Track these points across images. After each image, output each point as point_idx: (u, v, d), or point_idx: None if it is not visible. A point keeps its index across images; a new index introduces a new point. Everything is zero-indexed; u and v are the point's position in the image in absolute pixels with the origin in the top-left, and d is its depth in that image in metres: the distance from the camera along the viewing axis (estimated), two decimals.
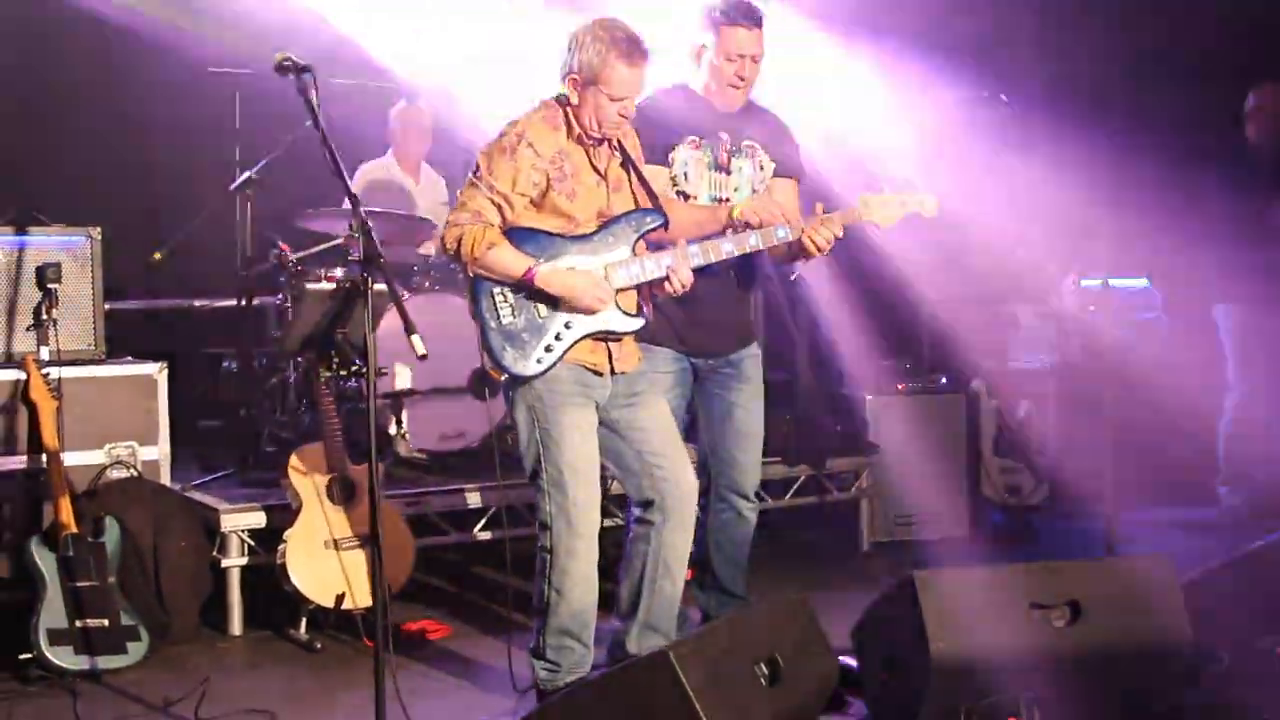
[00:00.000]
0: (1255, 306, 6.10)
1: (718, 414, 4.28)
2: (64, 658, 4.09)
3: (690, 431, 4.29)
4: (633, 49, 3.60)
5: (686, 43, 4.12)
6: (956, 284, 5.95)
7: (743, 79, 4.08)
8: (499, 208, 3.63)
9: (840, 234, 3.91)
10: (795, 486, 5.75)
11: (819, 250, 3.91)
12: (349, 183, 3.26)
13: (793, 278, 4.34)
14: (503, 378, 3.72)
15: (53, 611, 4.13)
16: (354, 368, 3.44)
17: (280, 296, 5.41)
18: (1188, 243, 6.31)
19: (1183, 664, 3.58)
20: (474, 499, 5.11)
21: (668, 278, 3.73)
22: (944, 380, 6.12)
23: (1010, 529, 6.17)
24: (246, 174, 5.43)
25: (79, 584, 4.19)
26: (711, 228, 3.96)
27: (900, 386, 6.01)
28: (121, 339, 5.08)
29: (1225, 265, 6.17)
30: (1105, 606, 3.51)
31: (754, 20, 4.06)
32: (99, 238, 4.86)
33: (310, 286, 4.32)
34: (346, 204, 3.27)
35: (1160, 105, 6.48)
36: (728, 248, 3.85)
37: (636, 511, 3.92)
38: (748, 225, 3.91)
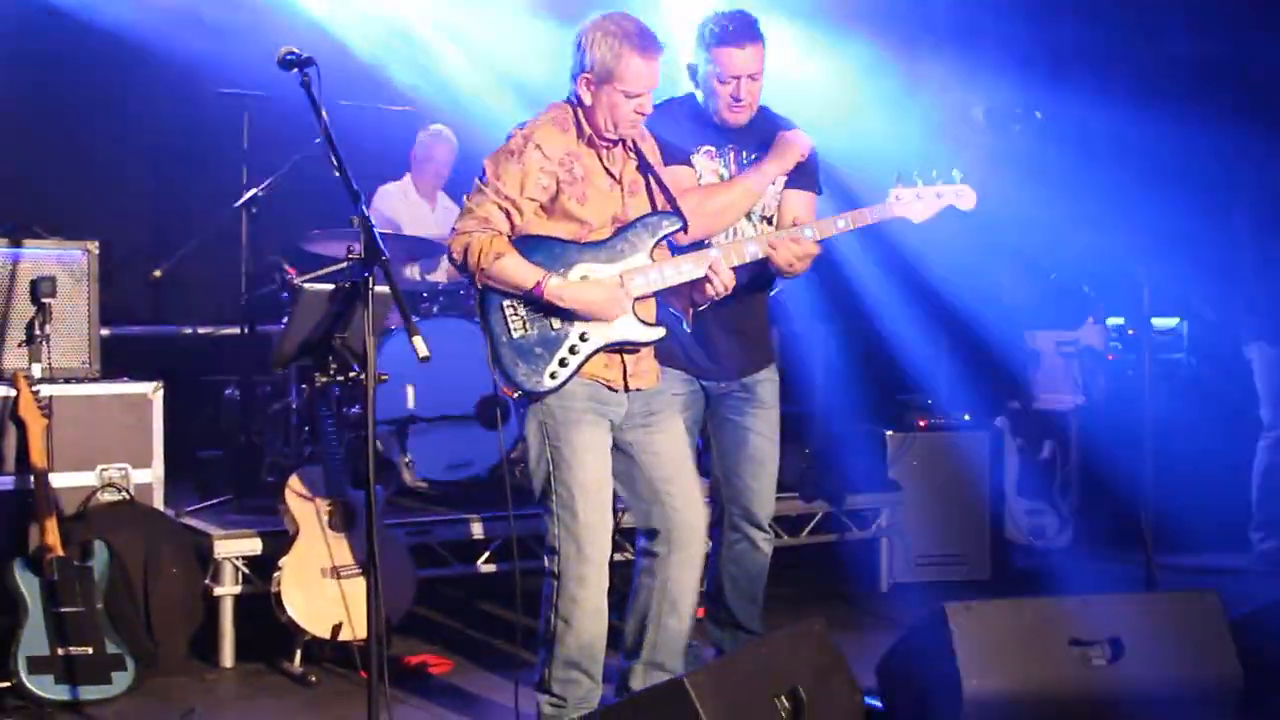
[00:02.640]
0: None
1: (732, 440, 4.09)
2: (44, 687, 3.91)
3: (701, 458, 4.09)
4: (647, 42, 3.45)
5: (684, 62, 3.94)
6: (983, 310, 5.77)
7: (739, 100, 3.88)
8: (507, 213, 3.47)
9: (815, 250, 3.69)
10: (812, 523, 5.55)
11: (786, 266, 3.68)
12: (351, 180, 3.10)
13: (772, 293, 4.14)
14: (516, 394, 3.53)
15: (34, 638, 3.94)
16: (353, 374, 3.26)
17: (285, 320, 5.26)
18: (1219, 280, 6.16)
19: (1233, 707, 3.35)
20: (479, 530, 4.91)
21: (708, 278, 3.55)
22: (967, 418, 5.92)
23: (1034, 571, 5.95)
24: (252, 191, 5.30)
25: (63, 610, 4.00)
26: (745, 203, 3.80)
27: (922, 423, 5.82)
28: (122, 364, 4.92)
29: (1258, 303, 5.99)
30: (1149, 644, 3.31)
31: (748, 38, 3.84)
32: (96, 252, 4.71)
33: (308, 287, 4.14)
34: (351, 224, 3.12)
35: (1193, 136, 6.34)
36: (752, 249, 3.66)
37: (642, 542, 3.71)
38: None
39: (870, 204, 3.79)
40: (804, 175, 4.04)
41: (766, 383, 4.11)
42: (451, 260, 3.53)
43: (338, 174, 3.15)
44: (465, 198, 3.56)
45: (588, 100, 3.50)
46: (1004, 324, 6.17)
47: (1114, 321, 6.83)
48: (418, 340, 2.88)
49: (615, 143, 3.57)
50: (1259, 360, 6.01)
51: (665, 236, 3.58)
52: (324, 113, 3.18)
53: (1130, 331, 6.55)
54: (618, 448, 3.63)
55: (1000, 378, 6.17)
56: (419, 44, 6.74)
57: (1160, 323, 7.03)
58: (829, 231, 3.71)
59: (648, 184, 3.64)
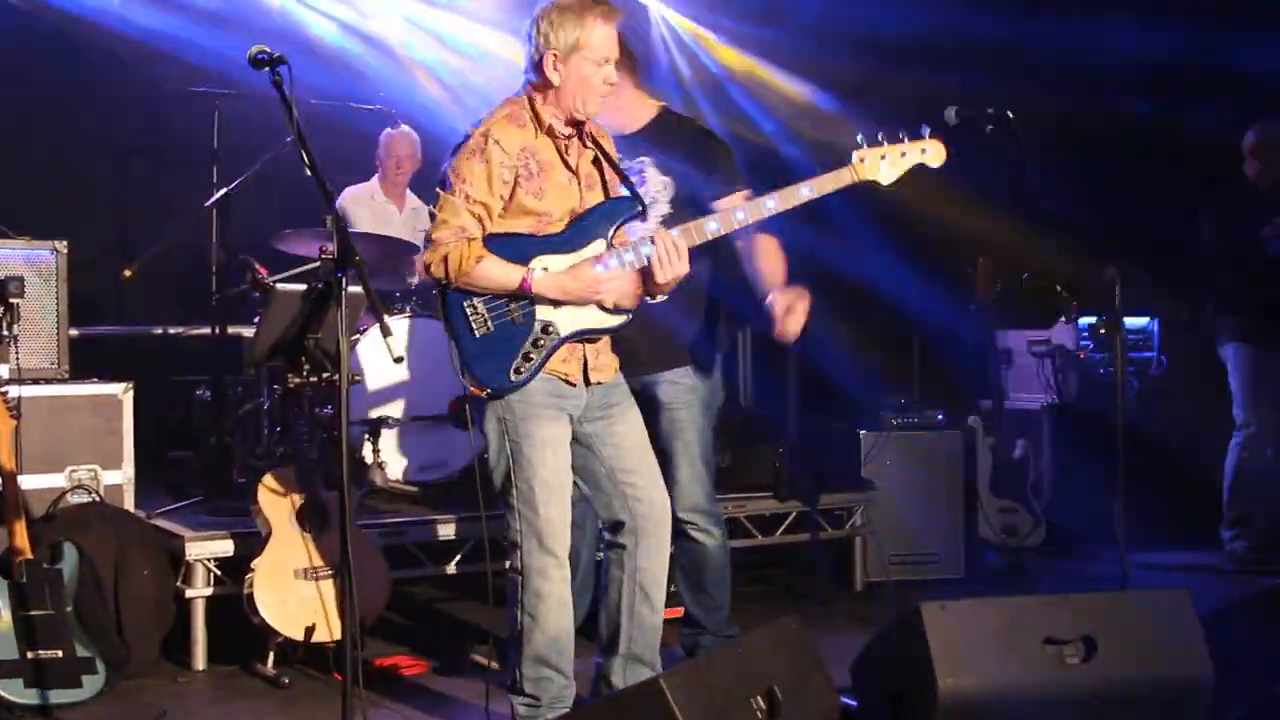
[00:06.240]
0: (1266, 346, 5.93)
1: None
2: (13, 691, 3.86)
3: None
4: (607, 6, 3.45)
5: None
6: (952, 309, 5.79)
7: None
8: (479, 219, 3.46)
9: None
10: (786, 523, 5.55)
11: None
12: (324, 180, 3.08)
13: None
14: (484, 393, 3.52)
15: (3, 642, 3.89)
16: (326, 375, 3.24)
17: (256, 320, 5.23)
18: (1190, 281, 6.20)
19: (1204, 705, 3.37)
20: (452, 531, 4.89)
21: (650, 266, 3.46)
22: (940, 417, 5.94)
23: (1007, 570, 5.97)
24: (223, 190, 5.26)
25: (32, 613, 3.94)
26: None
27: (896, 422, 5.83)
28: (91, 364, 4.88)
29: (1232, 304, 6.03)
30: (1122, 642, 3.32)
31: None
32: (65, 251, 4.66)
33: (280, 288, 4.12)
34: (323, 224, 3.10)
35: (1166, 135, 6.40)
36: (712, 227, 3.54)
37: (606, 535, 3.69)
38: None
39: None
40: (727, 177, 3.97)
41: (664, 385, 4.06)
42: (429, 272, 3.48)
43: (309, 173, 3.13)
44: (433, 208, 3.52)
45: (556, 80, 3.47)
46: (976, 322, 6.19)
47: (1086, 320, 6.88)
48: (391, 341, 2.86)
49: (573, 135, 3.56)
50: (1234, 360, 6.04)
51: (624, 222, 3.56)
52: (295, 112, 3.16)
53: (1102, 331, 6.58)
54: (577, 441, 3.60)
55: (973, 377, 6.19)
56: (390, 43, 6.72)
57: (1132, 322, 7.08)
58: (793, 201, 3.53)
59: (603, 178, 3.63)
